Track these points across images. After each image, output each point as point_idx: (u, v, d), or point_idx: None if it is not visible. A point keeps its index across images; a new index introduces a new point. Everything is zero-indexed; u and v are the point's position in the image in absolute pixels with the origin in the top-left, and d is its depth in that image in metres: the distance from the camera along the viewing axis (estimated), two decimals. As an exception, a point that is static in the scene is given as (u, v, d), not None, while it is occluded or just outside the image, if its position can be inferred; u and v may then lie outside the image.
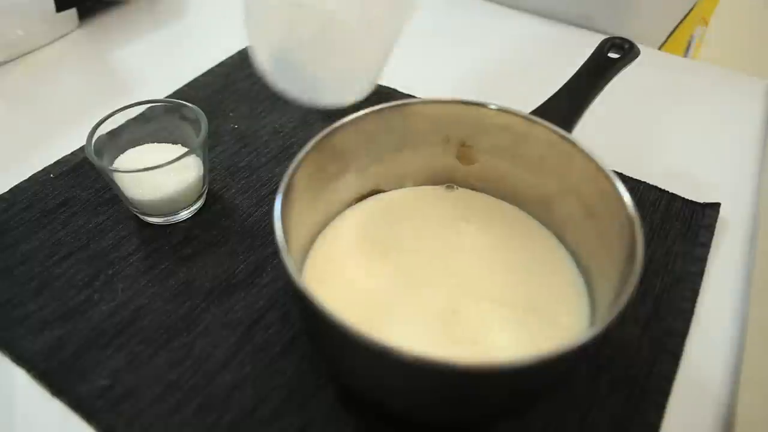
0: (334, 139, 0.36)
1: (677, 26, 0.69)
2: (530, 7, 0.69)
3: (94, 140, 0.41)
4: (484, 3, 0.72)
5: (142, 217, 0.43)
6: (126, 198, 0.42)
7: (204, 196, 0.45)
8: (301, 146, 0.34)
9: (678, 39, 0.70)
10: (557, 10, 0.67)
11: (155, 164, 0.39)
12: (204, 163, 0.43)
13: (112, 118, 0.42)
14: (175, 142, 0.45)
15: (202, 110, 0.43)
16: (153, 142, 0.44)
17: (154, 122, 0.44)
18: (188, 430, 0.32)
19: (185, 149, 0.42)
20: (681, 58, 0.64)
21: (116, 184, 0.41)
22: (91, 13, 0.66)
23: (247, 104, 0.55)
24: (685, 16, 0.69)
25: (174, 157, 0.40)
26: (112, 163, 0.43)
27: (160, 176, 0.40)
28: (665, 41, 0.69)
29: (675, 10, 0.69)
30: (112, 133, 0.43)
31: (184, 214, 0.44)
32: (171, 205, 0.42)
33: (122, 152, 0.43)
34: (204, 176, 0.43)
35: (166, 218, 0.43)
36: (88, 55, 0.56)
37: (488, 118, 0.38)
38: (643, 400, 0.34)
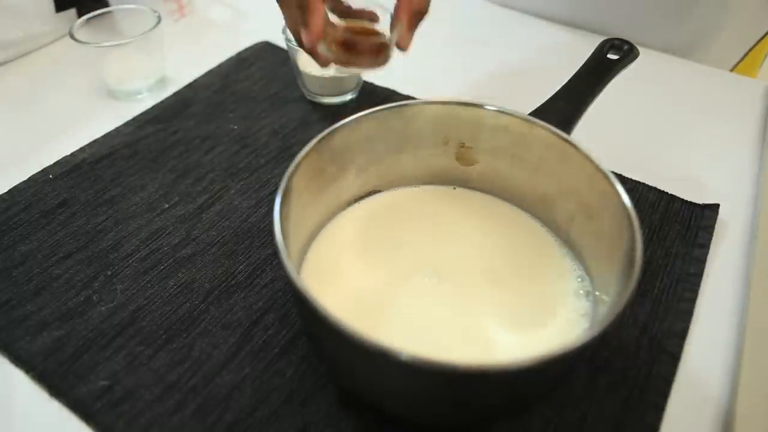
0: (333, 140, 0.36)
1: (752, 47, 0.69)
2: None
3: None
4: (484, 4, 0.72)
5: (310, 96, 0.55)
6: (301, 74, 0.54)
7: (360, 86, 0.56)
8: (300, 147, 0.34)
9: (754, 57, 0.70)
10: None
11: None
12: None
13: None
14: None
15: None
16: None
17: None
18: (187, 431, 0.32)
19: None
20: (680, 59, 0.64)
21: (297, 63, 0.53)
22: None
23: (247, 105, 0.55)
24: (763, 37, 0.69)
25: None
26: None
27: None
28: (740, 61, 0.69)
29: (750, 34, 0.69)
30: None
31: (343, 98, 0.55)
32: (336, 85, 0.54)
33: None
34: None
35: (329, 98, 0.55)
36: (87, 55, 0.56)
37: (487, 119, 0.38)
38: (642, 401, 0.34)
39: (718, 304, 0.39)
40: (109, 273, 0.40)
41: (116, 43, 0.53)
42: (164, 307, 0.38)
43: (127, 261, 0.41)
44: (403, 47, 0.42)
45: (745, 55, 0.69)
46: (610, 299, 0.30)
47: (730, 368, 0.36)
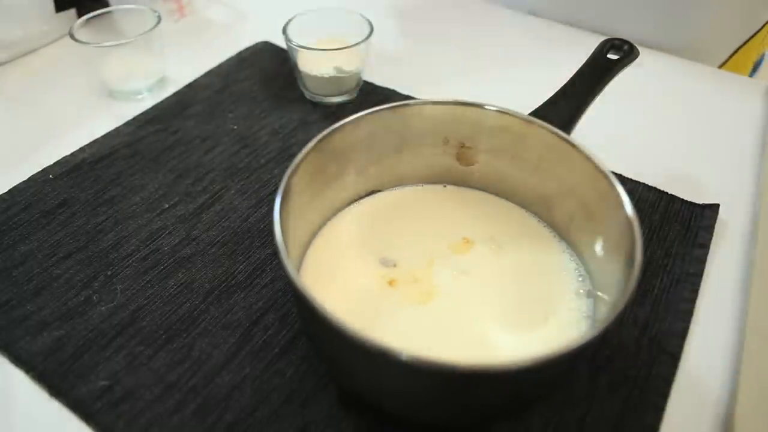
0: (333, 140, 0.36)
1: (743, 44, 0.69)
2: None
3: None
4: (484, 4, 0.72)
5: (310, 96, 0.55)
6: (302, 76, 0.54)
7: (360, 86, 0.56)
8: (300, 147, 0.34)
9: (743, 58, 0.70)
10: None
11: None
12: (364, 57, 0.54)
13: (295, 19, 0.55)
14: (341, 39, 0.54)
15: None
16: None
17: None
18: (187, 431, 0.32)
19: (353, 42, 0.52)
20: (680, 59, 0.64)
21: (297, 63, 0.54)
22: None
23: (247, 105, 0.55)
24: (754, 35, 0.69)
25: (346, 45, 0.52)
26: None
27: (336, 58, 0.53)
28: (728, 59, 0.69)
29: (740, 29, 0.69)
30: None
31: (343, 98, 0.55)
32: (336, 85, 0.54)
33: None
34: (361, 70, 0.55)
35: (329, 98, 0.55)
36: (87, 55, 0.56)
37: (487, 120, 0.38)
38: (642, 401, 0.34)
39: (718, 304, 0.39)
40: (109, 273, 0.40)
41: (116, 43, 0.53)
42: (164, 307, 0.38)
43: (127, 261, 0.41)
44: None
45: (735, 52, 0.69)
46: (611, 299, 0.30)
47: (730, 368, 0.36)
